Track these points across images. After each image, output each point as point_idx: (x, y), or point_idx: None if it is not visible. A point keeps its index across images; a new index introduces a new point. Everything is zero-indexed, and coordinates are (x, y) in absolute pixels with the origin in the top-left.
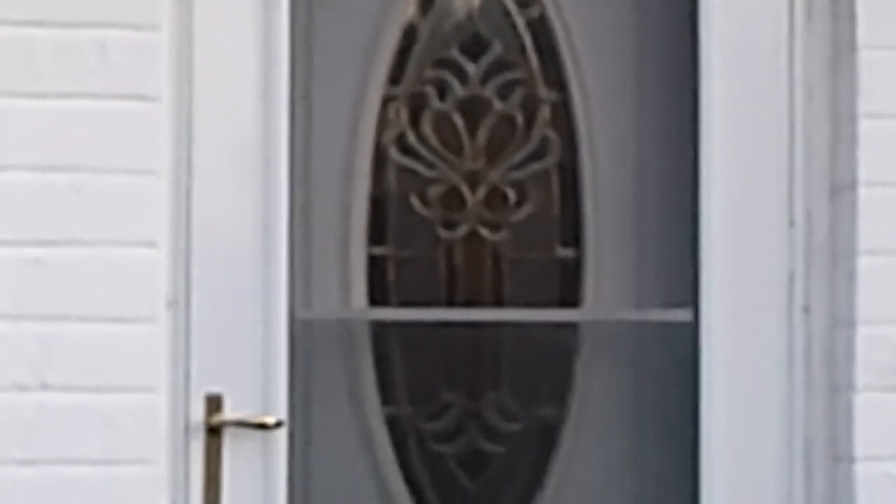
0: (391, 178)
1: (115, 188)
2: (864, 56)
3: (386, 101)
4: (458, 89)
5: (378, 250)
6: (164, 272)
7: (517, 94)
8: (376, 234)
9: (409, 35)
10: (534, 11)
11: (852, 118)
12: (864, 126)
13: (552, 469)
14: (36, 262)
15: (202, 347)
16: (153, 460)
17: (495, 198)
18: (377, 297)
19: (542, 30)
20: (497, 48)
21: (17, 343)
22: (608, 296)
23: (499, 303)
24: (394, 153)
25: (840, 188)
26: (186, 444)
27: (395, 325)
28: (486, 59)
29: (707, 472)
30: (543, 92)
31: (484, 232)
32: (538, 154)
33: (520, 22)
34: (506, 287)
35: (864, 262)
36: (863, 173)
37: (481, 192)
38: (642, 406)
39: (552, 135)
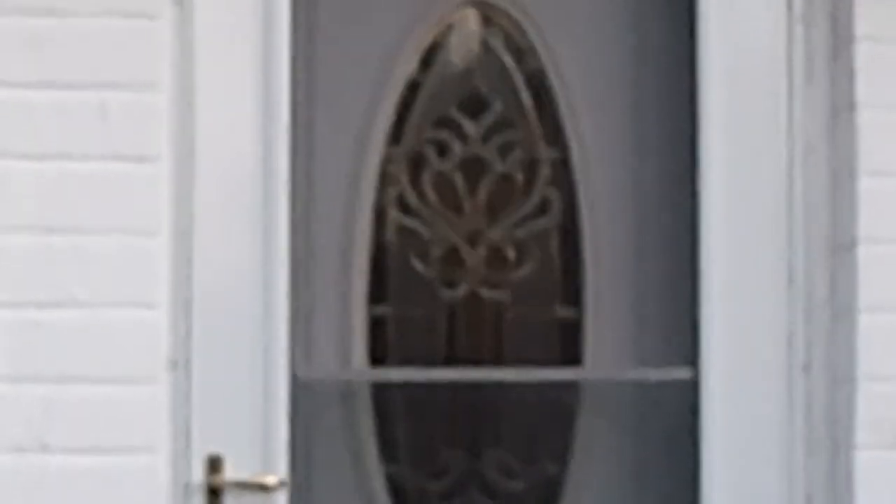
0: (391, 237)
1: (115, 249)
2: (864, 114)
3: (386, 160)
4: (457, 149)
5: (378, 310)
6: (164, 333)
7: (517, 153)
8: (377, 293)
9: (409, 94)
10: (532, 68)
11: (851, 176)
12: (864, 184)
13: None
14: (36, 323)
15: (203, 408)
16: None
17: (495, 257)
18: (378, 356)
19: (541, 87)
20: (496, 107)
21: (16, 404)
22: (608, 355)
23: (499, 362)
24: (394, 212)
25: (839, 246)
26: None
27: (396, 385)
28: (486, 119)
29: None
30: (543, 150)
31: (484, 291)
32: (538, 213)
33: (518, 79)
34: (506, 346)
35: (863, 320)
36: (862, 231)
37: (481, 251)
38: (643, 465)
39: (552, 193)
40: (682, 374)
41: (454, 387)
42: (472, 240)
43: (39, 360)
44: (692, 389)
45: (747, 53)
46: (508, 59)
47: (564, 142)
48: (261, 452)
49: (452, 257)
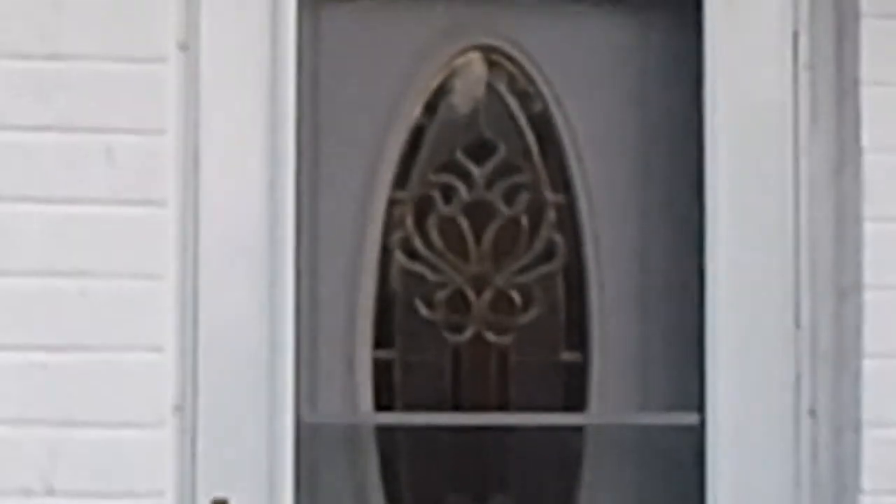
0: (397, 281)
1: (121, 293)
2: (869, 159)
3: (391, 204)
4: (463, 193)
5: (384, 354)
6: (170, 377)
7: (522, 198)
8: (382, 337)
9: (415, 139)
10: (537, 111)
11: (857, 221)
12: (869, 229)
13: None
14: (42, 366)
15: (208, 452)
16: None
17: (501, 301)
18: (383, 401)
19: (546, 131)
20: (502, 151)
21: (23, 448)
22: (614, 399)
23: (504, 406)
24: (399, 257)
25: (845, 291)
26: None
27: (401, 429)
28: (491, 163)
29: None
30: (548, 194)
31: (490, 336)
32: (544, 257)
33: (523, 123)
34: (512, 391)
35: (869, 365)
36: (868, 276)
37: (487, 295)
38: None
39: (558, 238)
40: (688, 419)
41: (459, 431)
42: (478, 284)
43: (46, 404)
44: (698, 434)
45: (753, 98)
46: (513, 103)
47: (570, 186)
48: (266, 496)
49: (458, 301)
